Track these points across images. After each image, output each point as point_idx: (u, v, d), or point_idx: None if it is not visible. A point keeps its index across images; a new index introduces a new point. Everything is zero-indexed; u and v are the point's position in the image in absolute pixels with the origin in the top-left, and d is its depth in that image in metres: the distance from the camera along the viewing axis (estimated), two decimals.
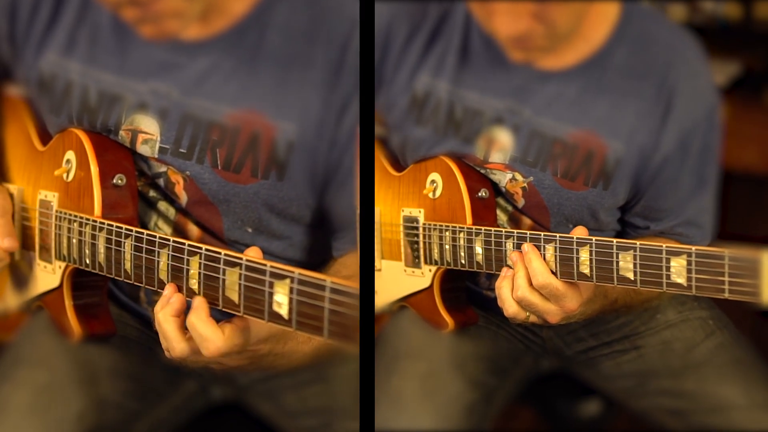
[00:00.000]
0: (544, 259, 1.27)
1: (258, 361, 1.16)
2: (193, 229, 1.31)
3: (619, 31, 1.35)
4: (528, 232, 1.30)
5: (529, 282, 1.27)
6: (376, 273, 1.51)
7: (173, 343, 1.10)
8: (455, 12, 1.40)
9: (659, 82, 1.33)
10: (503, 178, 1.39)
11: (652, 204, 1.40)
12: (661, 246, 1.15)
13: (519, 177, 1.38)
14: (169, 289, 1.12)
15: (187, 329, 1.10)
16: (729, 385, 1.42)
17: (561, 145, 1.35)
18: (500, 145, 1.38)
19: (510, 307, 1.30)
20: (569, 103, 1.35)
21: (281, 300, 0.99)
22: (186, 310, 1.11)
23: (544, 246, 1.28)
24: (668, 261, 1.15)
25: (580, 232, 1.28)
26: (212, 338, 1.07)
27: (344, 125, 1.23)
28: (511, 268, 1.31)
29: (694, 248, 1.13)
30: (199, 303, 1.08)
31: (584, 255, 1.23)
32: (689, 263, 1.13)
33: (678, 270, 1.14)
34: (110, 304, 1.33)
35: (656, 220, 1.42)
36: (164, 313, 1.10)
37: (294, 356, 1.20)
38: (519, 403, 1.59)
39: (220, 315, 1.09)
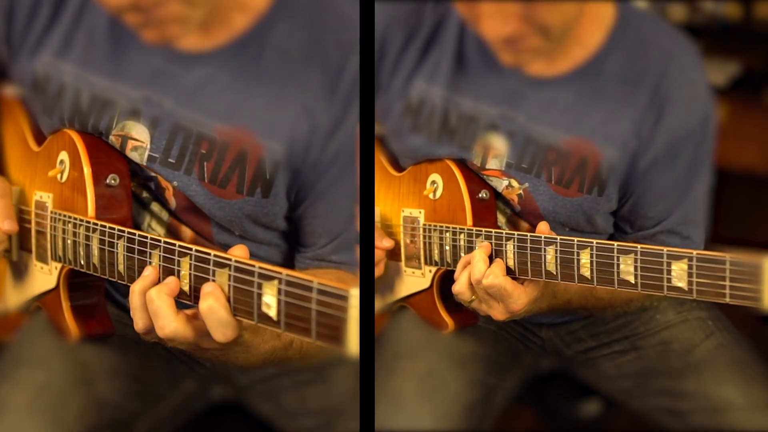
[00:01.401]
0: (545, 260, 1.27)
1: (228, 350, 1.13)
2: (186, 230, 1.31)
3: (614, 36, 1.33)
4: (528, 234, 1.29)
5: (503, 273, 1.30)
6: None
7: (166, 321, 1.06)
8: (450, 18, 1.39)
9: (653, 89, 1.32)
10: (500, 185, 1.39)
11: (638, 210, 1.39)
12: (662, 250, 1.14)
13: (515, 184, 1.38)
14: (152, 270, 1.10)
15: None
16: (728, 385, 1.41)
17: (555, 152, 1.34)
18: (496, 152, 1.37)
19: (459, 285, 1.33)
20: (563, 109, 1.34)
21: (270, 301, 0.99)
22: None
23: (544, 248, 1.27)
24: (669, 265, 1.13)
25: (542, 228, 1.28)
26: (233, 325, 1.04)
27: (328, 150, 1.23)
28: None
29: (695, 252, 1.11)
30: (218, 289, 1.04)
31: (585, 258, 1.22)
32: (690, 267, 1.11)
33: (679, 274, 1.13)
34: (108, 304, 1.33)
35: (641, 228, 1.40)
36: (158, 290, 1.07)
37: (253, 352, 1.18)
38: (519, 403, 1.59)
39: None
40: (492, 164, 1.38)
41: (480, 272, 1.29)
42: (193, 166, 1.24)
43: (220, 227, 1.29)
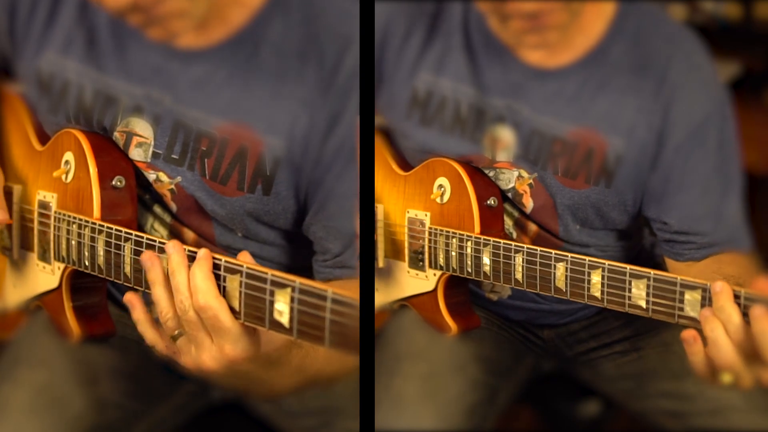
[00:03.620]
0: (554, 276, 1.27)
1: (241, 376, 1.11)
2: (189, 233, 1.31)
3: (616, 26, 1.34)
4: (539, 249, 1.28)
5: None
6: (377, 271, 1.51)
7: (213, 297, 1.02)
8: (452, 9, 1.40)
9: (659, 77, 1.32)
10: (512, 177, 1.39)
11: (675, 203, 1.35)
12: (676, 278, 1.13)
13: (525, 174, 1.38)
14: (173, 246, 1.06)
15: None
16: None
17: (561, 144, 1.35)
18: (504, 144, 1.37)
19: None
20: (568, 100, 1.35)
21: (282, 308, 0.99)
22: None
23: (554, 264, 1.26)
24: (682, 294, 1.13)
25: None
26: (205, 291, 1.03)
27: (329, 145, 1.22)
28: None
29: (709, 284, 1.10)
30: (204, 254, 1.04)
31: (596, 278, 1.22)
32: (704, 299, 1.10)
33: (692, 304, 1.12)
34: (109, 304, 1.32)
35: (683, 221, 1.35)
36: (201, 268, 1.03)
37: (274, 385, 1.17)
38: (519, 403, 1.59)
39: None
40: (501, 157, 1.39)
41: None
42: (195, 162, 1.24)
43: (222, 228, 1.29)
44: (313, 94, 1.21)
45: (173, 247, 1.06)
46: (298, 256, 1.33)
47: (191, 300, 1.04)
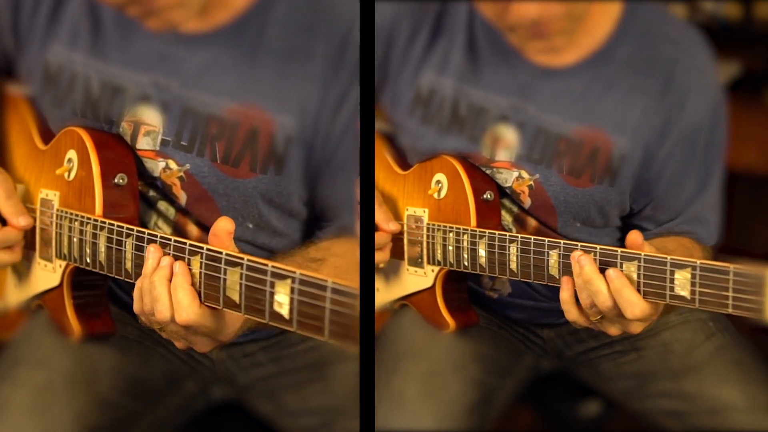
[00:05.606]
0: (548, 264, 1.27)
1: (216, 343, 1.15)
2: (193, 229, 1.31)
3: (622, 26, 1.35)
4: (532, 237, 1.29)
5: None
6: (378, 270, 1.51)
7: (164, 306, 1.07)
8: (457, 8, 1.40)
9: (665, 78, 1.33)
10: (510, 177, 1.39)
11: (661, 205, 1.39)
12: (666, 258, 1.14)
13: (525, 175, 1.38)
14: (157, 252, 1.10)
15: None
16: (729, 386, 1.42)
17: (566, 142, 1.35)
18: (506, 143, 1.38)
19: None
20: (574, 99, 1.35)
21: (282, 300, 0.99)
22: None
23: (548, 252, 1.27)
24: (672, 273, 1.13)
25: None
26: (187, 307, 1.06)
27: (339, 120, 1.24)
28: None
29: (699, 262, 1.11)
30: (182, 269, 1.07)
31: None
32: (693, 276, 1.11)
33: (682, 283, 1.13)
34: (110, 303, 1.32)
35: (665, 222, 1.41)
36: (160, 276, 1.08)
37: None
38: (519, 404, 1.59)
39: None
40: (501, 156, 1.39)
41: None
42: (204, 147, 1.25)
43: (231, 218, 1.28)
44: (322, 70, 1.23)
45: (153, 253, 1.10)
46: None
47: (175, 315, 1.07)
